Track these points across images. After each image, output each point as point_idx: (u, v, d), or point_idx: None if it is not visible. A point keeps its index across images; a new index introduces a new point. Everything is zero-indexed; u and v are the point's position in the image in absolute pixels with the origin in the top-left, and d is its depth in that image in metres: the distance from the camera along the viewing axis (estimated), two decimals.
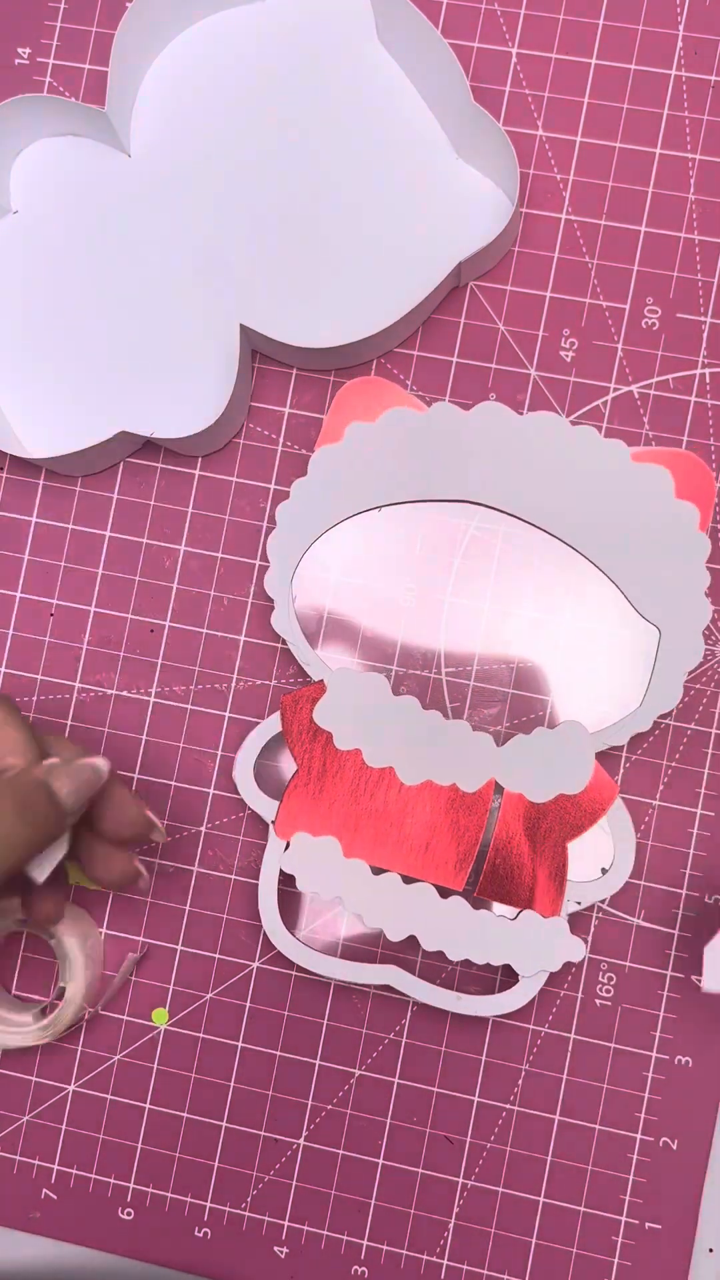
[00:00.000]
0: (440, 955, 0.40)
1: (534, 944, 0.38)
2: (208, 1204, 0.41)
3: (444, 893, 0.38)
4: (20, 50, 0.43)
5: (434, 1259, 0.40)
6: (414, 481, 0.39)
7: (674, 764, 0.40)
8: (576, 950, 0.38)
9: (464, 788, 0.38)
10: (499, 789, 0.38)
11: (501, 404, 0.39)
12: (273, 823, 0.39)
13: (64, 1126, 0.42)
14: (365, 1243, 0.40)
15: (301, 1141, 0.41)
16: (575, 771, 0.38)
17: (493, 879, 0.38)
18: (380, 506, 0.40)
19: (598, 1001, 0.40)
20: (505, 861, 0.38)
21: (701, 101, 0.41)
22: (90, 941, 0.41)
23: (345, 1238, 0.40)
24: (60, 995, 0.40)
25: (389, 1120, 0.41)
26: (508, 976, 0.40)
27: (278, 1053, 0.41)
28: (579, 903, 0.39)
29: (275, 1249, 0.41)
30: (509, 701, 0.40)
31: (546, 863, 0.38)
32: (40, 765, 0.33)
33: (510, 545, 0.40)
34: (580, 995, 0.40)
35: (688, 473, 0.38)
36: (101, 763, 0.34)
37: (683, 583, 0.38)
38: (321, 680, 0.39)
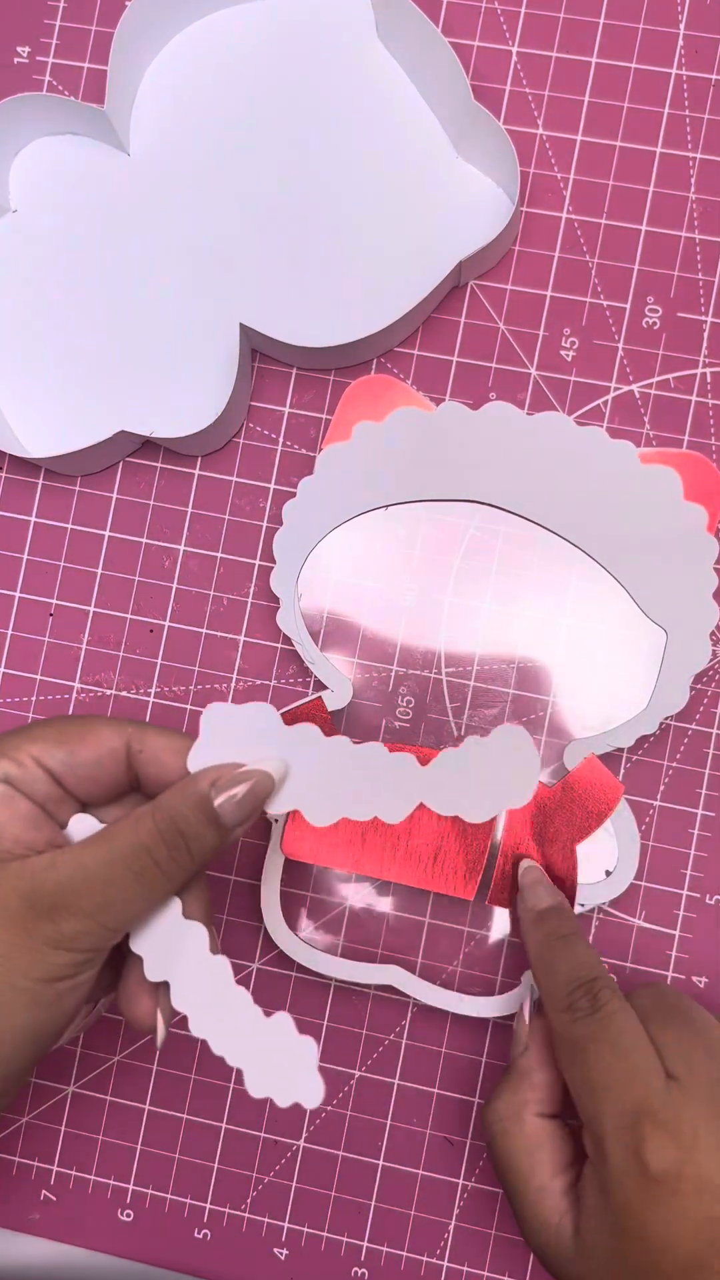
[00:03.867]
0: (441, 956, 0.40)
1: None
2: (207, 1205, 0.41)
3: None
4: (20, 49, 0.43)
5: (434, 1260, 0.40)
6: (421, 481, 0.39)
7: (675, 764, 0.40)
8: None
9: (387, 819, 0.31)
10: None
11: (509, 404, 0.39)
12: (280, 840, 0.39)
13: (64, 1127, 0.42)
14: (365, 1244, 0.40)
15: (301, 1143, 0.41)
16: (518, 781, 0.31)
17: (503, 886, 0.38)
18: (386, 505, 0.40)
19: None
20: (515, 868, 0.38)
21: (701, 101, 0.41)
22: None
23: (345, 1239, 0.40)
24: None
25: (389, 1121, 0.40)
26: (508, 977, 0.40)
27: None
28: (583, 905, 0.38)
29: (275, 1250, 0.41)
30: (510, 702, 0.40)
31: (555, 866, 0.38)
32: (208, 774, 0.30)
33: (511, 545, 0.40)
34: None
35: (696, 474, 0.38)
36: (278, 767, 0.30)
37: (690, 585, 0.38)
38: (318, 697, 0.39)
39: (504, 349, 0.41)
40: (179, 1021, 0.41)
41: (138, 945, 0.31)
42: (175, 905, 0.31)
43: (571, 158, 0.41)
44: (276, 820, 0.39)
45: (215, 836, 0.30)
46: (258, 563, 0.42)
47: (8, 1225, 0.42)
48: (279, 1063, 0.29)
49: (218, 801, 0.29)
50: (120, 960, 0.32)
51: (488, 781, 0.31)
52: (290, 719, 0.39)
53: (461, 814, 0.31)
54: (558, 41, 0.41)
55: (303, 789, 0.31)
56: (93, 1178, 0.41)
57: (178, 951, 0.31)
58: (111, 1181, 0.41)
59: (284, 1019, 0.30)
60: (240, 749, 0.31)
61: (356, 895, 0.41)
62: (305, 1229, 0.41)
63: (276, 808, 0.31)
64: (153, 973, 0.31)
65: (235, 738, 0.31)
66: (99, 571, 0.43)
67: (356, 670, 0.41)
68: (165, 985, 0.31)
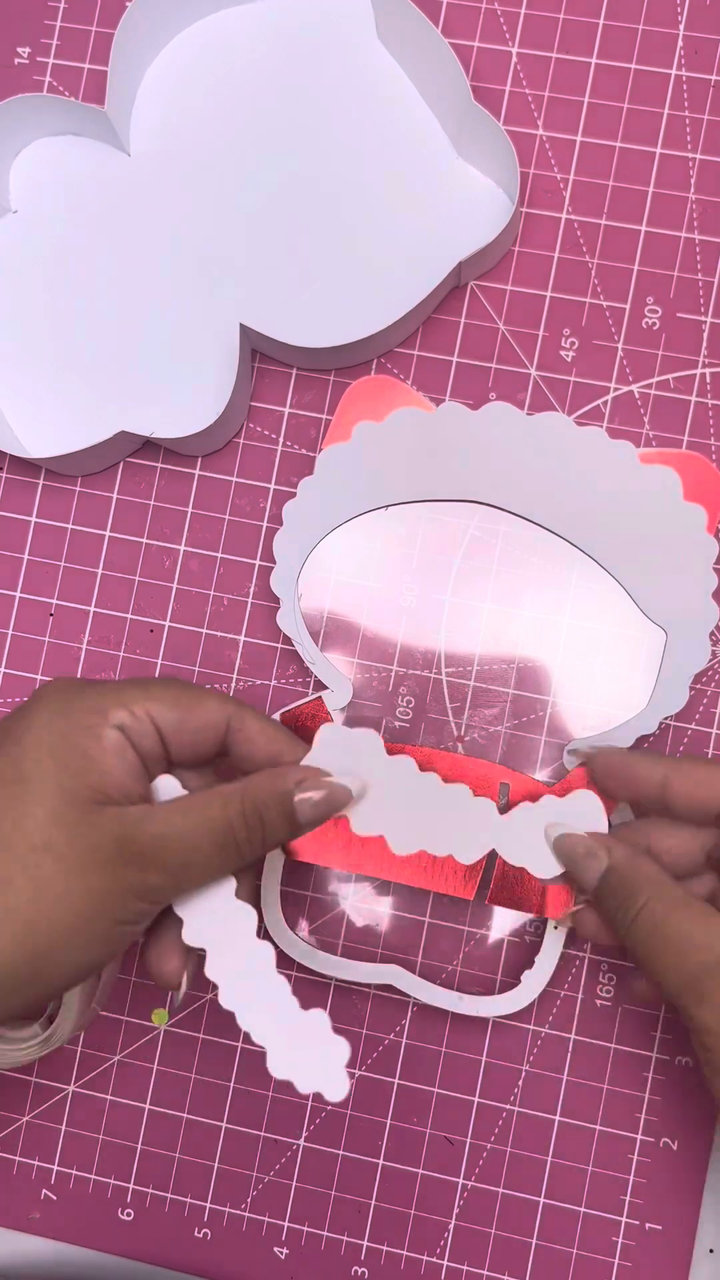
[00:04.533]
0: (441, 955, 0.40)
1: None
2: (208, 1204, 0.41)
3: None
4: (20, 50, 0.43)
5: (434, 1259, 0.40)
6: (421, 481, 0.39)
7: None
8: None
9: (461, 860, 0.35)
10: (504, 794, 0.38)
11: (509, 405, 0.39)
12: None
13: (64, 1127, 0.42)
14: (365, 1243, 0.40)
15: (301, 1142, 0.41)
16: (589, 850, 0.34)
17: (503, 886, 0.38)
18: (387, 506, 0.40)
19: (598, 1002, 0.40)
20: (516, 872, 0.38)
21: (701, 101, 0.41)
22: None
23: (345, 1238, 0.40)
24: (59, 1001, 0.40)
25: (389, 1120, 0.41)
26: (508, 977, 0.40)
27: None
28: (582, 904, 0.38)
29: (275, 1250, 0.41)
30: (510, 702, 0.40)
31: None
32: (296, 773, 0.32)
33: (511, 545, 0.40)
34: (580, 995, 0.40)
35: (696, 474, 0.38)
36: (357, 785, 0.33)
37: (690, 585, 0.38)
38: (319, 697, 0.39)
39: (504, 349, 0.41)
40: (179, 1023, 0.41)
41: (182, 909, 0.32)
42: (229, 882, 0.32)
43: (571, 158, 0.41)
44: None
45: (287, 829, 0.32)
46: (258, 563, 0.42)
47: (8, 1224, 0.42)
48: (307, 1052, 0.31)
49: (297, 798, 0.32)
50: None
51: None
52: (291, 719, 0.39)
53: (529, 867, 0.35)
54: (558, 42, 0.41)
55: (389, 816, 0.34)
56: (93, 1177, 0.41)
57: (224, 926, 0.32)
58: (111, 1181, 0.41)
59: (320, 1015, 0.32)
60: (341, 765, 0.33)
61: (356, 895, 0.41)
62: (305, 1228, 0.41)
63: (362, 829, 0.34)
64: (192, 938, 0.32)
65: (340, 755, 0.34)
66: (99, 571, 0.43)
67: (356, 670, 0.41)
68: (197, 951, 0.33)
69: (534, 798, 0.37)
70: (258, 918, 0.32)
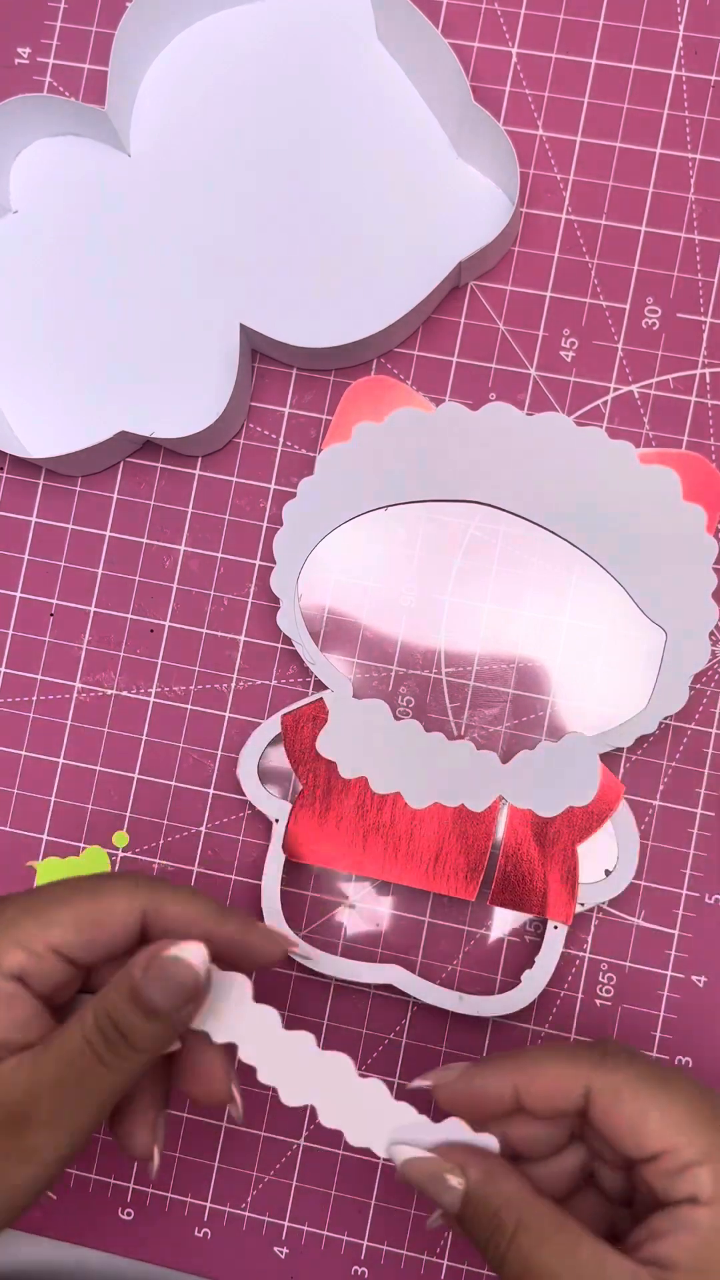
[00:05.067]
0: (441, 955, 0.40)
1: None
2: (208, 1204, 0.41)
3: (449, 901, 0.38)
4: (20, 50, 0.43)
5: (434, 1259, 0.40)
6: (421, 481, 0.39)
7: (674, 764, 0.40)
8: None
9: (472, 808, 0.38)
10: (505, 806, 0.38)
11: (508, 405, 0.39)
12: (281, 840, 0.39)
13: None
14: (365, 1243, 0.40)
15: (301, 1141, 0.41)
16: (582, 784, 0.38)
17: (504, 886, 0.38)
18: (386, 506, 0.40)
19: (598, 1001, 0.40)
20: (516, 869, 0.38)
21: (701, 101, 0.41)
22: None
23: (345, 1238, 0.40)
24: None
25: None
26: (508, 976, 0.40)
27: None
28: (583, 904, 0.39)
29: (275, 1249, 0.41)
30: (509, 701, 0.40)
31: (557, 867, 0.38)
32: (139, 959, 0.28)
33: (511, 545, 0.40)
34: (580, 995, 0.40)
35: (695, 475, 0.38)
36: (193, 953, 0.28)
37: (689, 585, 0.38)
38: (319, 698, 0.39)
39: (504, 349, 0.41)
40: None
41: (218, 1034, 0.30)
42: (242, 986, 0.30)
43: (571, 158, 0.41)
44: (277, 820, 0.39)
45: (153, 1025, 0.28)
46: (258, 563, 0.42)
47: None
48: (369, 1116, 0.30)
49: (145, 990, 0.28)
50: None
51: (555, 782, 0.38)
52: (291, 720, 0.39)
53: (534, 808, 0.38)
54: (558, 42, 0.42)
55: (403, 775, 0.38)
56: (93, 1176, 0.41)
57: (254, 1032, 0.30)
58: (112, 1180, 0.41)
59: (377, 1084, 0.30)
60: (352, 732, 0.38)
61: (357, 895, 0.41)
62: (305, 1228, 0.41)
63: (380, 788, 0.38)
64: (245, 1057, 0.30)
65: (350, 721, 0.38)
66: (99, 571, 0.43)
67: (356, 670, 0.41)
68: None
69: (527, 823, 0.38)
70: (275, 1012, 0.31)
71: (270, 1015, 0.30)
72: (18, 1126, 0.27)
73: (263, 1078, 0.30)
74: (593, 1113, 0.29)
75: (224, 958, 0.30)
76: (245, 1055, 0.30)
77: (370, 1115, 0.30)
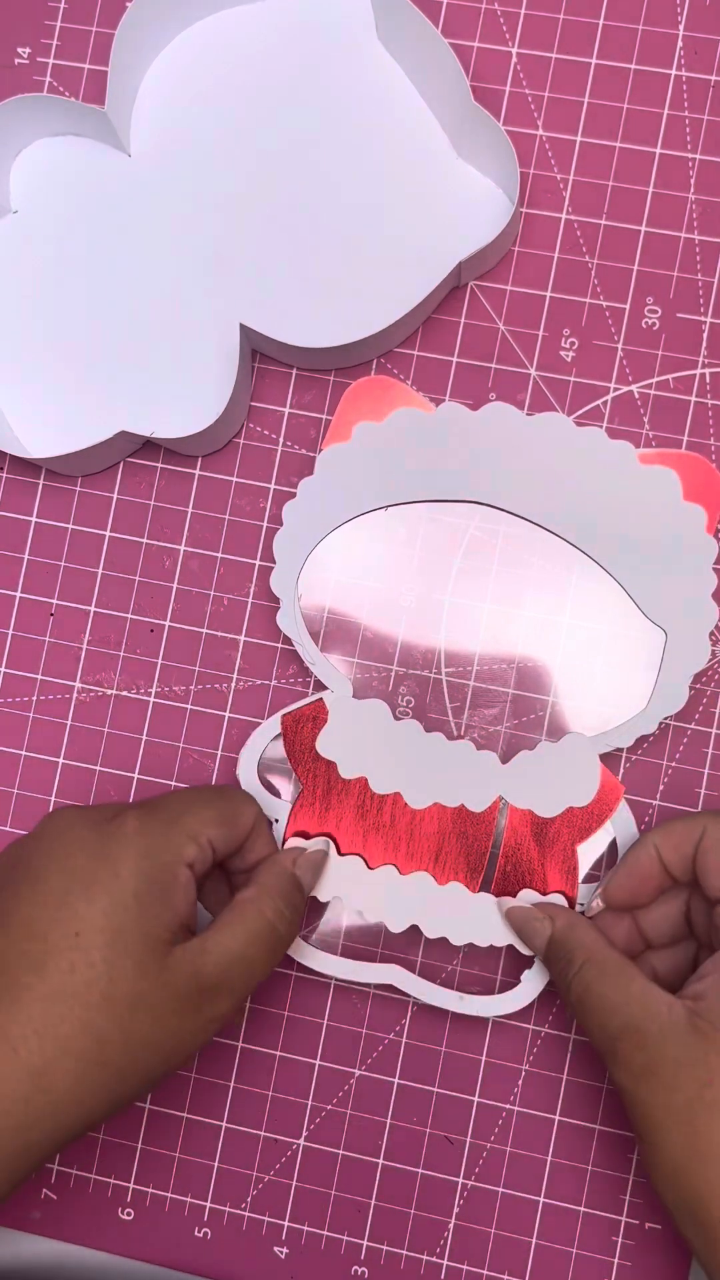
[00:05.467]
0: (441, 955, 0.40)
1: None
2: (208, 1204, 0.41)
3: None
4: (20, 50, 0.43)
5: (434, 1259, 0.40)
6: (421, 481, 0.39)
7: (674, 764, 0.40)
8: None
9: (472, 808, 0.38)
10: (504, 810, 0.38)
11: (508, 405, 0.39)
12: (282, 841, 0.39)
13: None
14: (365, 1243, 0.40)
15: (301, 1141, 0.41)
16: (582, 784, 0.38)
17: (504, 887, 0.38)
18: (386, 506, 0.40)
19: None
20: (516, 869, 0.38)
21: (701, 101, 0.41)
22: None
23: (345, 1238, 0.40)
24: None
25: (389, 1120, 0.41)
26: (508, 976, 0.40)
27: (278, 1053, 0.41)
28: (582, 904, 0.38)
29: (275, 1249, 0.41)
30: (510, 701, 0.40)
31: (557, 867, 0.38)
32: (288, 855, 0.37)
33: (511, 545, 0.40)
34: None
35: (695, 475, 0.38)
36: (327, 844, 0.38)
37: (689, 585, 0.38)
38: (319, 698, 0.39)
39: (504, 349, 0.41)
40: None
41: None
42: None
43: (571, 158, 0.41)
44: (277, 820, 0.39)
45: (303, 898, 0.36)
46: (258, 563, 0.42)
47: (8, 1224, 0.42)
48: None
49: (299, 873, 0.36)
50: None
51: (555, 782, 0.38)
52: (291, 719, 0.39)
53: (534, 808, 0.38)
54: (558, 42, 0.42)
55: (403, 775, 0.38)
56: (93, 1176, 0.41)
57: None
58: (111, 1180, 0.41)
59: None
60: (352, 732, 0.39)
61: None
62: (305, 1227, 0.41)
63: (380, 788, 0.38)
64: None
65: (350, 722, 0.39)
66: (99, 571, 0.43)
67: (356, 670, 0.41)
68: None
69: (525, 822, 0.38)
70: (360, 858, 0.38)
71: (357, 862, 0.38)
72: (215, 996, 0.32)
73: (369, 918, 0.39)
74: (698, 856, 0.35)
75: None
76: (351, 903, 0.38)
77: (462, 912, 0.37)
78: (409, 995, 0.39)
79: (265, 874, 0.35)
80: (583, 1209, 0.40)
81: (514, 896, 0.38)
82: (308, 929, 0.41)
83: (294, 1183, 0.41)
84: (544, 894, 0.38)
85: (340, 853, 0.39)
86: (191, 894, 0.33)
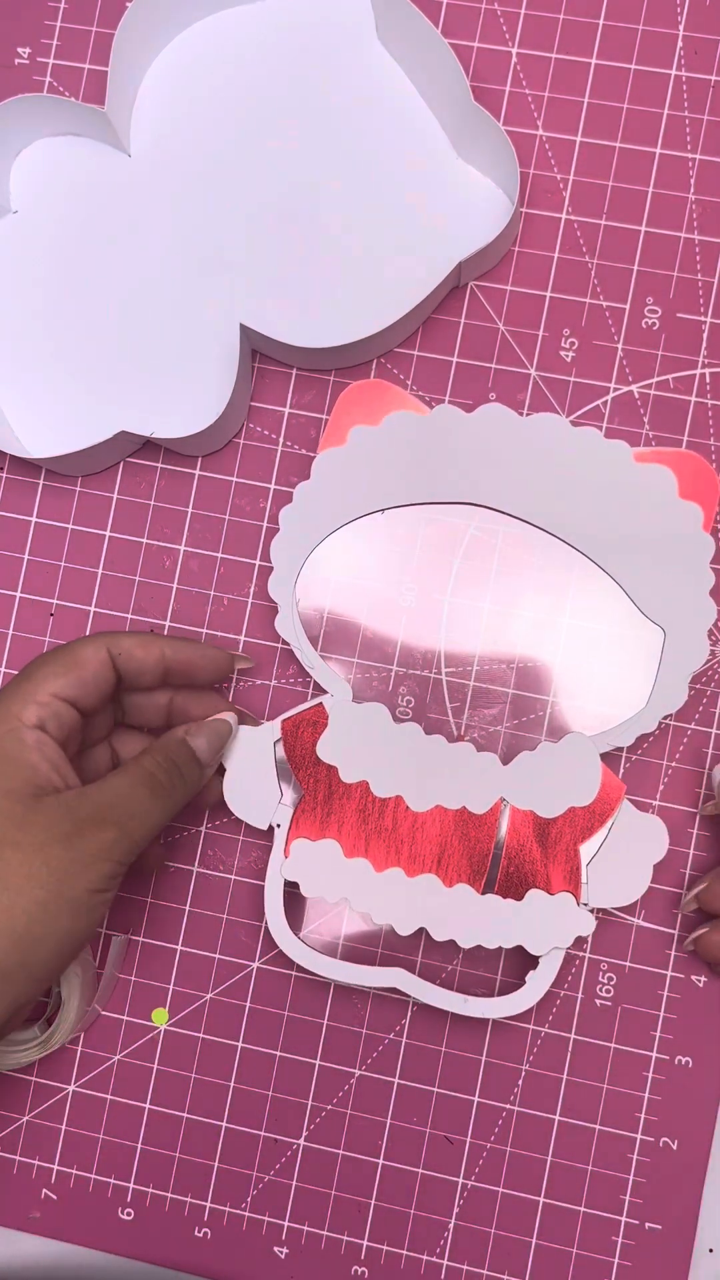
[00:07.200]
0: (441, 956, 0.40)
1: (543, 922, 0.38)
2: (208, 1204, 0.41)
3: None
4: (20, 50, 0.43)
5: (434, 1259, 0.40)
6: (417, 484, 0.39)
7: (674, 764, 0.40)
8: (586, 924, 0.38)
9: (474, 809, 0.38)
10: (505, 809, 0.38)
11: (504, 406, 0.39)
12: (283, 841, 0.39)
13: (64, 1126, 0.42)
14: (365, 1243, 0.40)
15: (301, 1141, 0.41)
16: (584, 784, 0.38)
17: (507, 888, 0.38)
18: (383, 509, 0.40)
19: (598, 1001, 0.40)
20: (519, 870, 0.38)
21: (701, 101, 0.41)
22: None
23: (345, 1238, 0.40)
24: (58, 1001, 0.40)
25: (389, 1120, 0.41)
26: (509, 977, 0.40)
27: (278, 1053, 0.41)
28: (585, 904, 0.38)
29: (275, 1249, 0.41)
30: (509, 701, 0.40)
31: (560, 867, 0.38)
32: (180, 727, 0.38)
33: (510, 546, 0.40)
34: (580, 995, 0.40)
35: (691, 473, 0.38)
36: (231, 718, 0.39)
37: (687, 583, 0.38)
38: (319, 702, 0.39)
39: (504, 350, 0.41)
40: (179, 1023, 0.41)
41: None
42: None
43: (571, 158, 0.41)
44: (279, 825, 0.39)
45: (196, 769, 0.37)
46: (258, 563, 0.42)
47: (8, 1224, 0.42)
48: None
49: (192, 741, 0.37)
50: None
51: (557, 782, 0.38)
52: (291, 724, 0.39)
53: (536, 809, 0.38)
54: (558, 42, 0.42)
55: (404, 778, 0.38)
56: (93, 1176, 0.41)
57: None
58: (111, 1180, 0.41)
59: None
60: (353, 736, 0.39)
61: None
62: (305, 1228, 0.41)
63: (381, 791, 0.38)
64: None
65: (351, 727, 0.39)
66: (99, 571, 0.43)
67: (356, 670, 0.41)
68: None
69: (526, 823, 0.37)
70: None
71: (364, 865, 0.38)
72: (96, 827, 0.33)
73: (377, 921, 0.38)
74: None
75: (182, 675, 0.38)
76: (358, 906, 0.39)
77: None
78: (414, 998, 0.39)
79: (163, 736, 0.37)
80: (583, 1209, 0.40)
81: (518, 898, 0.38)
82: (307, 928, 0.41)
83: (294, 1183, 0.41)
84: (550, 895, 0.38)
85: (345, 857, 0.39)
86: (51, 751, 0.34)
